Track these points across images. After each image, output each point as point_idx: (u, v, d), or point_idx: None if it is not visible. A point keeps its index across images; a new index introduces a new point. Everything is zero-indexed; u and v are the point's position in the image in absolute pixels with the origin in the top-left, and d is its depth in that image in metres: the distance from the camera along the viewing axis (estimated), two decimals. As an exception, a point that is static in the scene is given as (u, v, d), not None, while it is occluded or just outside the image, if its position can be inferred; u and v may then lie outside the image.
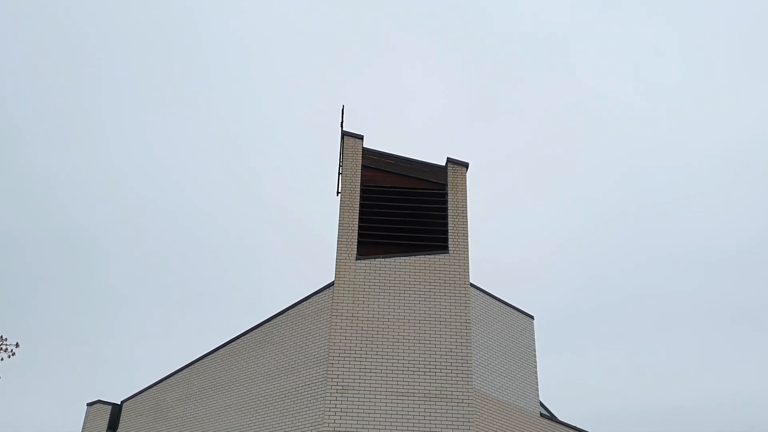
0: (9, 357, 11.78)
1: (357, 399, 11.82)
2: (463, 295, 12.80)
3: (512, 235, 57.18)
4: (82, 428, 18.67)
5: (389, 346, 12.27)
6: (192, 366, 16.36)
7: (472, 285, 13.70)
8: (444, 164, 14.24)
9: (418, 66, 68.64)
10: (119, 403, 18.39)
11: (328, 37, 70.35)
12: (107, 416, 18.19)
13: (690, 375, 45.11)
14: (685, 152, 61.36)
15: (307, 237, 62.65)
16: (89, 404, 18.89)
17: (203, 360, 16.05)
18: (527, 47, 69.40)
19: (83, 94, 63.34)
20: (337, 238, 13.17)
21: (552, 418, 16.15)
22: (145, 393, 17.62)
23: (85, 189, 60.00)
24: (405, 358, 12.19)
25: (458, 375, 12.10)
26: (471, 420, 11.77)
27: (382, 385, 11.94)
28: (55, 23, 61.75)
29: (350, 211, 13.42)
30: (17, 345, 11.85)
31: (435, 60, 69.22)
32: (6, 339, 11.90)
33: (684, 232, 56.30)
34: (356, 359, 12.12)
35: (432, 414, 11.75)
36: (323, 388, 12.07)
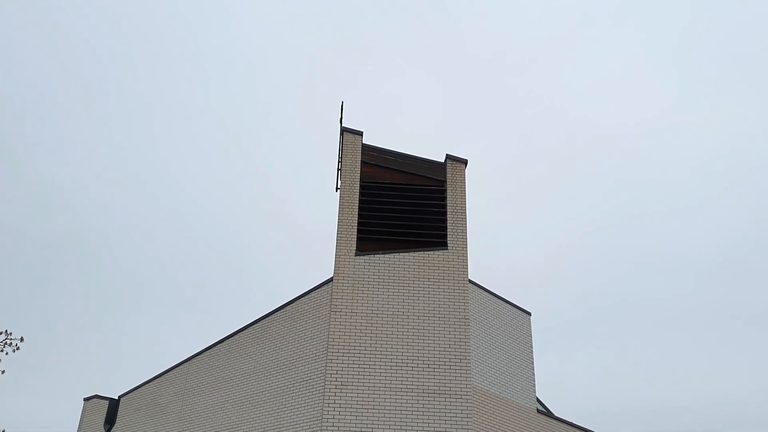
0: (14, 351, 11.74)
1: (356, 395, 11.84)
2: (462, 291, 12.82)
3: (506, 243, 57.99)
4: (79, 423, 18.66)
5: (388, 342, 12.29)
6: (190, 361, 16.36)
7: (470, 281, 13.73)
8: (443, 161, 14.26)
9: (411, 75, 69.52)
10: (116, 398, 18.39)
11: (325, 42, 70.90)
12: (104, 411, 18.18)
13: (678, 376, 46.38)
14: (673, 165, 63.49)
15: (306, 233, 62.85)
16: (86, 399, 18.87)
17: (201, 355, 16.05)
18: (521, 60, 70.25)
19: (89, 98, 63.79)
20: (336, 234, 13.18)
21: (549, 414, 16.21)
22: (142, 388, 17.61)
23: (86, 189, 60.31)
24: (404, 353, 12.22)
25: (456, 371, 12.14)
26: (469, 416, 11.81)
27: (381, 381, 11.97)
28: (63, 30, 62.21)
29: (349, 207, 13.43)
30: (22, 339, 11.81)
31: (429, 71, 70.05)
32: (11, 333, 11.86)
33: (673, 241, 58.35)
34: (355, 355, 12.14)
35: (430, 410, 11.79)
36: (322, 384, 12.09)
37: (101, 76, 64.23)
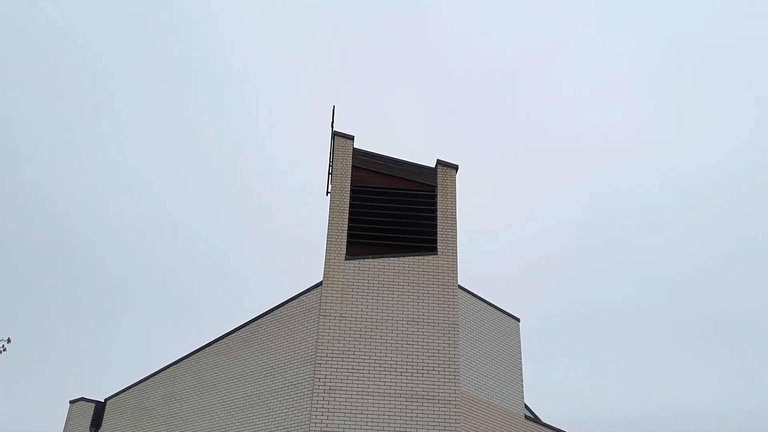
0: (0, 353, 11.58)
1: (344, 399, 11.81)
2: (452, 296, 12.83)
3: (487, 251, 58.49)
4: (65, 426, 18.48)
5: (377, 347, 12.27)
6: (177, 364, 16.25)
7: (459, 287, 13.74)
8: (434, 166, 14.28)
9: (394, 90, 70.32)
10: (102, 401, 18.24)
11: (312, 52, 71.51)
12: (90, 414, 18.02)
13: (652, 384, 47.23)
14: (649, 179, 64.91)
15: (295, 238, 62.91)
16: (72, 402, 18.69)
17: (189, 358, 15.95)
18: (502, 77, 71.32)
19: (80, 105, 63.84)
20: (326, 238, 13.16)
21: (536, 420, 16.23)
22: (129, 391, 17.48)
23: (76, 195, 60.29)
24: (392, 358, 12.20)
25: (445, 376, 12.13)
26: (457, 421, 11.81)
27: (370, 386, 11.94)
28: (54, 37, 62.24)
29: (340, 211, 13.41)
30: (9, 340, 11.63)
31: (411, 86, 70.82)
32: None
33: (647, 253, 59.74)
34: (344, 359, 12.11)
35: (419, 415, 11.78)
36: (310, 388, 12.05)
37: (92, 83, 64.49)
